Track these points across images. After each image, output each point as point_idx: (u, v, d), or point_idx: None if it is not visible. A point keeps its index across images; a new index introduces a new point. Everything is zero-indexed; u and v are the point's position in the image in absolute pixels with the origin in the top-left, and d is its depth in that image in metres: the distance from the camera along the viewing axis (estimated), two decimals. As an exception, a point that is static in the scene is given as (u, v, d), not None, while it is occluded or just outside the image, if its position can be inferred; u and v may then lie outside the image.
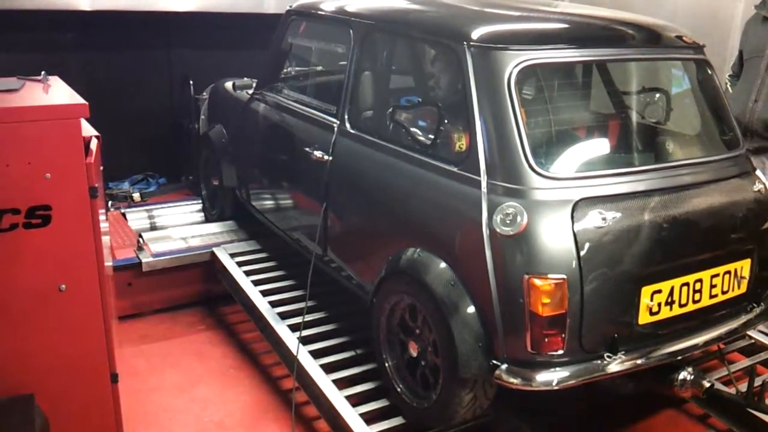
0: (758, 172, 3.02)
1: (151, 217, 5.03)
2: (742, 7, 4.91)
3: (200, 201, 5.11)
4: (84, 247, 2.38)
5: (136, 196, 5.62)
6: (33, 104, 2.37)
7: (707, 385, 2.69)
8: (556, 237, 2.41)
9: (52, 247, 2.33)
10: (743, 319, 2.86)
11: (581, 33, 2.91)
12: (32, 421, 2.28)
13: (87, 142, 2.40)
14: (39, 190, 2.28)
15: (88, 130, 2.53)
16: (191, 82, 5.54)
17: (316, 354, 3.27)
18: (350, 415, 2.86)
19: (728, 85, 4.18)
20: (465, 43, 2.66)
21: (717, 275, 2.71)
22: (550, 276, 2.37)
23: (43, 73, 2.79)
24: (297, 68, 4.29)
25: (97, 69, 5.56)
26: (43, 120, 2.27)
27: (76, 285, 2.40)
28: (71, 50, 5.47)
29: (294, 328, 3.42)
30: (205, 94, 5.15)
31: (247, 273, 3.98)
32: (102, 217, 2.50)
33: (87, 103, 2.36)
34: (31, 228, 2.29)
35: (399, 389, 2.96)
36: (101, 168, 2.71)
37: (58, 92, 2.62)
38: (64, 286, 2.38)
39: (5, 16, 4.87)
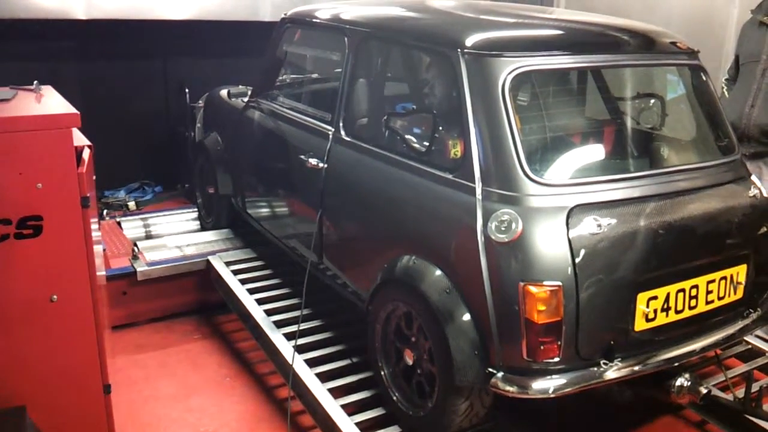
0: (754, 177, 3.01)
1: (146, 226, 5.01)
2: (737, 11, 4.92)
3: (196, 209, 5.10)
4: (76, 257, 2.37)
5: (132, 204, 5.59)
6: (25, 114, 2.36)
7: (704, 391, 2.68)
8: (552, 244, 2.40)
9: (44, 258, 2.32)
10: (740, 324, 2.85)
11: (576, 39, 2.91)
12: (24, 433, 2.27)
13: (79, 151, 2.39)
14: (30, 200, 2.27)
15: (80, 139, 2.52)
16: (187, 90, 5.52)
17: (311, 363, 3.25)
18: (346, 424, 2.85)
19: (724, 90, 4.18)
20: (459, 50, 2.65)
21: (713, 281, 2.70)
22: (545, 283, 2.36)
23: (35, 82, 2.78)
24: (292, 76, 4.29)
25: (92, 77, 5.54)
26: (34, 130, 2.26)
27: (68, 295, 2.39)
28: (66, 59, 5.45)
29: (289, 336, 3.40)
30: (200, 102, 5.15)
31: (243, 281, 3.97)
32: (94, 227, 2.49)
33: (79, 112, 2.35)
34: (22, 238, 2.28)
35: (395, 398, 2.95)
36: (93, 177, 2.70)
37: (51, 102, 2.61)
38: (55, 296, 2.37)
39: (-1, 25, 4.86)
